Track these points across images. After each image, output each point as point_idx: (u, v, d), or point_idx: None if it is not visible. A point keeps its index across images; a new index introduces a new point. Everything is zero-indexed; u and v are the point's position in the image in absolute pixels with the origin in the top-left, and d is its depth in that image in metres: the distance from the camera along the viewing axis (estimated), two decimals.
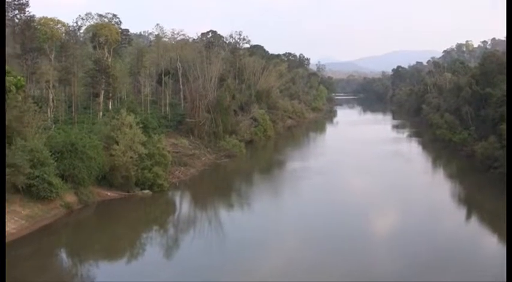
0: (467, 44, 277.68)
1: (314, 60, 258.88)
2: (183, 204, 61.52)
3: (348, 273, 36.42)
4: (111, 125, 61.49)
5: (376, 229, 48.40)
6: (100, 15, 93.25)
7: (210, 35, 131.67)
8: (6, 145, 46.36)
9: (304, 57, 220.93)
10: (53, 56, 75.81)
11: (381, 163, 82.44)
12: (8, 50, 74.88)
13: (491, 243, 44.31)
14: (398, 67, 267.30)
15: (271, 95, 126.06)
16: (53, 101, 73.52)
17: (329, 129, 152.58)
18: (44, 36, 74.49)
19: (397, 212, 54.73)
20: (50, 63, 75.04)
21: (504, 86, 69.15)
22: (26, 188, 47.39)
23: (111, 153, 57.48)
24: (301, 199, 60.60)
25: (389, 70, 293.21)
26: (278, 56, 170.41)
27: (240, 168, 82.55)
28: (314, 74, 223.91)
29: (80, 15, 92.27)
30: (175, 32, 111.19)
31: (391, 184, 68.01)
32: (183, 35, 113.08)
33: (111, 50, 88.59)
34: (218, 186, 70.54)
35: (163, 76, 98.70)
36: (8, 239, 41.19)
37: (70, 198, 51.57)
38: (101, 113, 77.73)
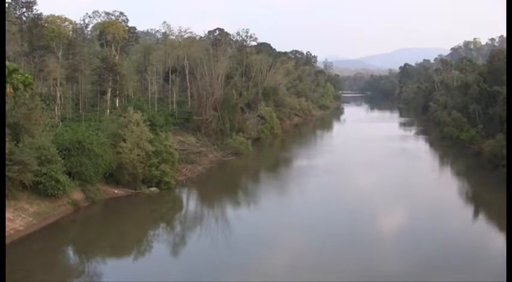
0: (474, 42, 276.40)
1: (321, 58, 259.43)
2: (190, 202, 61.60)
3: (352, 272, 36.26)
4: (118, 123, 61.61)
5: (384, 227, 48.22)
6: (107, 13, 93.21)
7: (217, 32, 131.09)
8: (14, 143, 46.71)
9: (311, 54, 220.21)
10: (60, 53, 76.19)
11: (388, 161, 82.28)
12: (16, 47, 75.55)
13: (499, 242, 43.95)
14: (406, 65, 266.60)
15: (278, 92, 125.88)
16: (60, 98, 73.92)
17: (336, 127, 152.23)
18: (51, 34, 74.66)
19: (404, 210, 54.52)
20: (58, 61, 75.48)
21: None
22: (34, 185, 47.57)
23: (118, 150, 57.54)
24: (308, 197, 60.46)
25: (396, 68, 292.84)
26: (285, 53, 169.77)
27: (246, 166, 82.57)
28: (321, 71, 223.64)
29: (87, 13, 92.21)
30: (182, 30, 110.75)
31: (399, 182, 67.82)
32: (190, 32, 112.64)
33: (118, 48, 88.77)
34: (225, 184, 70.50)
35: (170, 74, 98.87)
36: (16, 236, 41.60)
37: (77, 195, 51.76)
38: (108, 111, 77.95)
